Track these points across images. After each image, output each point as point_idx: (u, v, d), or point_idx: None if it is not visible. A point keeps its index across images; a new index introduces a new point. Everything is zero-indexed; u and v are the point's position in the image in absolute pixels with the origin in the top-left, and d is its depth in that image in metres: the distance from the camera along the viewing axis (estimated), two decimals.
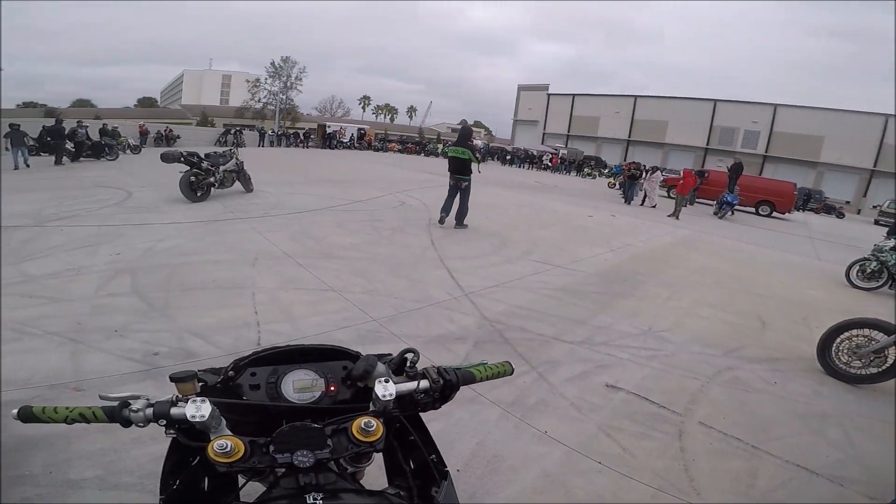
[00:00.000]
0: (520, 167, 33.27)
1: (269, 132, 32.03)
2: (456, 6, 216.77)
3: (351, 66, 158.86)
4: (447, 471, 0.89)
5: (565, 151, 36.30)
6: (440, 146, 38.07)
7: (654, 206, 15.12)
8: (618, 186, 21.12)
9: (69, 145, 14.37)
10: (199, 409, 0.73)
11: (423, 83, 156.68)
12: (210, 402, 0.75)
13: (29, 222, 5.93)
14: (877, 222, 24.50)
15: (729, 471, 2.48)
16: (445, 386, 0.90)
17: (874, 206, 28.52)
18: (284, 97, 39.26)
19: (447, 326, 3.89)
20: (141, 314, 3.56)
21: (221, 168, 8.68)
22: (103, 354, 2.96)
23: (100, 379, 2.68)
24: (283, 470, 0.77)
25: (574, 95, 51.19)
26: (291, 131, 34.99)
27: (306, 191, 10.33)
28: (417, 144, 38.39)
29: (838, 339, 3.77)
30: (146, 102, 75.63)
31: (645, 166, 17.31)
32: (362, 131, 37.63)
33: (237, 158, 9.22)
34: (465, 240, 6.99)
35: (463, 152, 7.56)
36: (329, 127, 35.82)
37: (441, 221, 7.62)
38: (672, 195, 16.04)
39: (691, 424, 2.86)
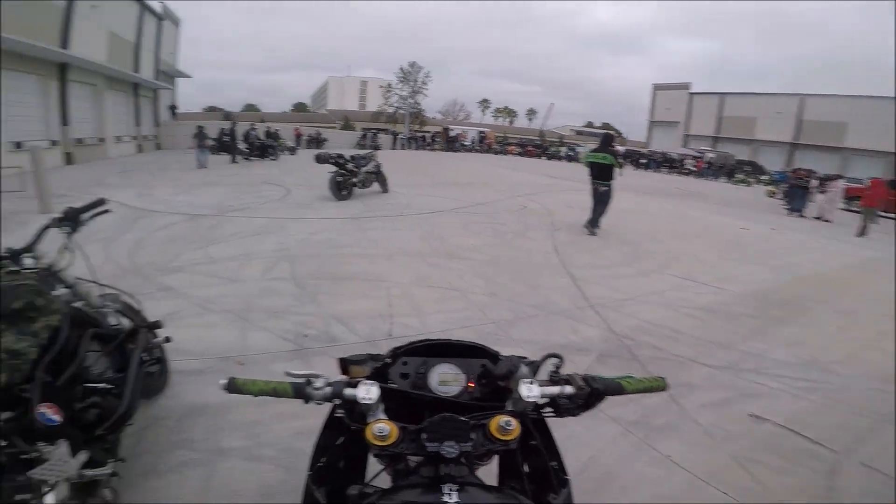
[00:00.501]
0: (656, 171, 30.71)
1: (400, 135, 34.16)
2: (577, 5, 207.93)
3: (469, 68, 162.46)
4: (568, 479, 0.88)
5: (713, 155, 32.44)
6: (562, 149, 36.90)
7: (828, 221, 12.77)
8: (780, 196, 18.32)
9: (242, 146, 16.91)
10: (368, 392, 0.80)
11: (542, 84, 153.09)
12: (379, 386, 0.81)
13: (214, 212, 7.15)
14: None
15: None
16: (591, 394, 0.88)
17: None
18: (412, 101, 41.37)
19: (568, 336, 3.76)
20: (296, 298, 4.06)
21: (363, 169, 9.55)
22: (264, 333, 3.38)
23: (259, 355, 3.05)
24: (420, 459, 0.80)
25: (723, 94, 45.60)
26: (419, 134, 36.84)
27: (433, 192, 10.83)
28: (538, 147, 37.70)
29: None
30: (299, 107, 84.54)
31: (817, 174, 14.65)
32: (483, 134, 38.28)
33: (376, 161, 10.05)
34: (592, 248, 6.69)
35: (605, 157, 7.54)
36: (452, 130, 37.04)
37: (590, 230, 7.57)
38: (857, 209, 13.34)
39: (850, 464, 2.44)
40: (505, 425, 0.77)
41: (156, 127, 21.81)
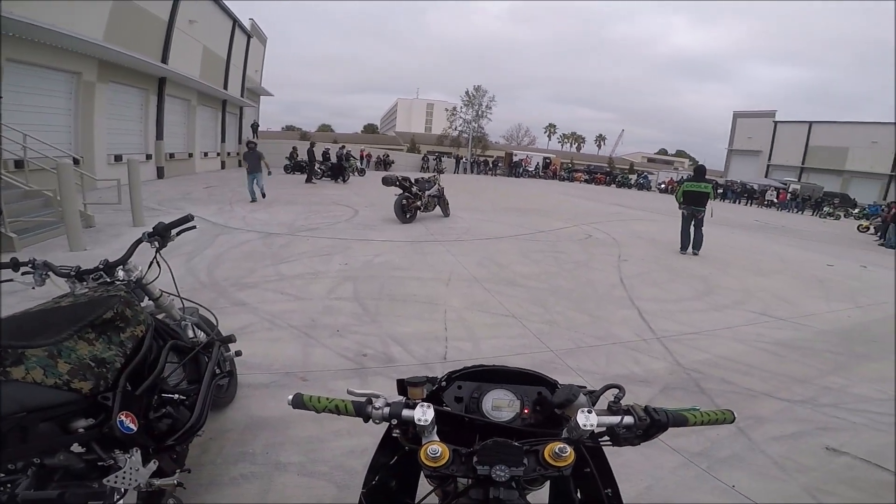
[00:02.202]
0: (735, 202, 28.90)
1: (463, 159, 34.68)
2: (655, 31, 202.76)
3: (540, 95, 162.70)
4: None
5: (797, 186, 30.03)
6: (632, 176, 35.66)
7: None
8: (873, 230, 16.57)
9: (321, 167, 17.71)
10: (424, 414, 0.83)
11: (615, 111, 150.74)
12: (434, 408, 0.84)
13: (287, 231, 7.64)
14: None
15: None
16: (652, 425, 0.87)
17: None
18: (476, 125, 41.71)
19: (630, 367, 3.63)
20: (357, 318, 4.20)
21: (426, 193, 9.81)
22: (326, 350, 3.51)
23: (320, 372, 3.15)
24: (470, 481, 0.82)
25: (811, 122, 42.28)
26: (482, 159, 37.16)
27: (494, 218, 10.87)
28: (607, 175, 36.73)
29: None
30: (369, 128, 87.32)
31: None
32: (548, 160, 37.80)
33: (439, 185, 10.30)
34: (661, 281, 6.38)
35: (705, 187, 8.59)
36: (515, 155, 37.03)
37: (683, 250, 8.53)
38: None
39: None
40: (559, 452, 0.78)
41: (239, 144, 22.32)
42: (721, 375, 3.57)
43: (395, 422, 0.87)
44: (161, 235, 1.99)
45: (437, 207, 10.27)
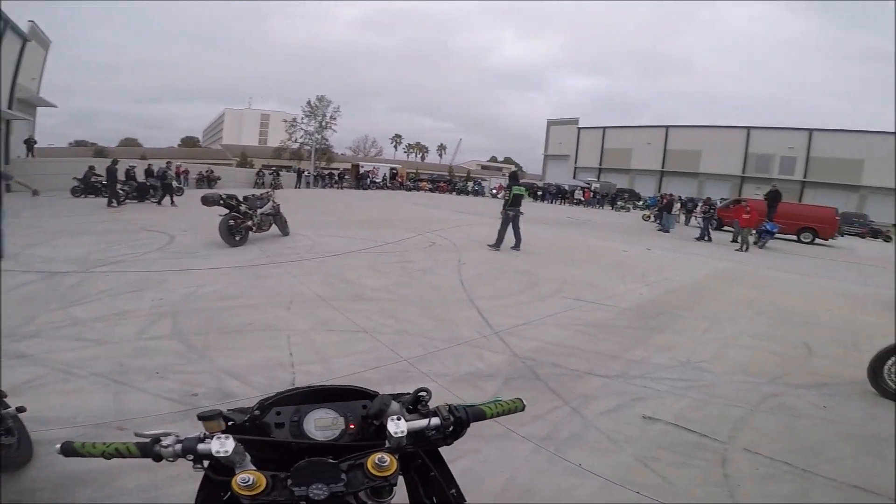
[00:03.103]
0: (551, 203, 33.23)
1: (306, 173, 33.16)
2: (490, 42, 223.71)
3: (384, 105, 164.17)
4: None
5: (597, 185, 36.06)
6: (469, 184, 38.54)
7: (709, 241, 14.75)
8: (653, 219, 20.75)
9: (123, 188, 14.92)
10: (223, 445, 0.78)
11: (453, 120, 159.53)
12: (234, 438, 0.80)
13: (77, 268, 6.28)
14: None
15: (778, 494, 2.42)
16: (456, 423, 0.93)
17: None
18: (320, 137, 40.31)
19: (476, 364, 3.89)
20: (181, 356, 3.69)
21: (259, 211, 8.95)
22: (145, 395, 3.07)
23: (141, 419, 2.78)
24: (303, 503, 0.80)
25: (605, 128, 51.37)
26: (326, 171, 36.10)
27: (339, 233, 10.60)
28: (448, 183, 39.02)
29: (890, 361, 3.68)
30: (189, 142, 77.64)
31: (678, 196, 16.99)
32: (394, 171, 38.46)
33: (274, 201, 9.53)
34: (494, 279, 6.99)
35: (523, 189, 10.06)
36: (362, 167, 36.85)
37: (498, 247, 9.46)
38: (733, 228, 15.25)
39: (735, 451, 2.78)
40: (380, 462, 0.79)
41: (6, 165, 18.27)
42: (551, 360, 4.03)
43: (190, 458, 0.81)
44: None
45: (274, 226, 9.54)
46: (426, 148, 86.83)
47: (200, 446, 0.81)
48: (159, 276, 6.06)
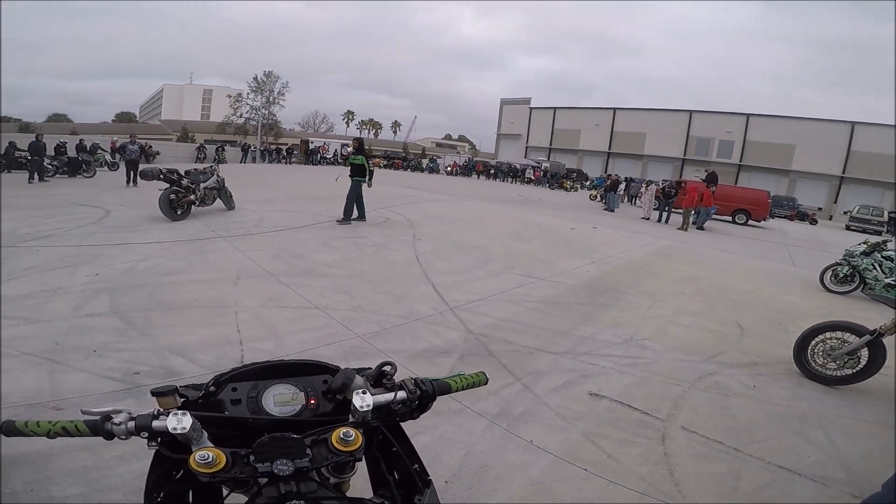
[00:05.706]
0: (504, 181, 33.58)
1: (252, 148, 31.75)
2: (448, 21, 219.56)
3: (337, 81, 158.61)
4: (430, 479, 0.92)
5: (547, 165, 36.74)
6: (424, 161, 38.28)
7: (648, 219, 15.69)
8: (599, 198, 21.52)
9: (49, 163, 13.88)
10: (180, 422, 0.76)
11: (409, 98, 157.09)
12: (191, 414, 0.77)
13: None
14: (848, 227, 25.36)
15: (713, 473, 2.53)
16: (422, 396, 0.93)
17: (845, 212, 29.47)
18: (267, 112, 39.02)
19: (432, 341, 3.91)
20: (121, 334, 3.51)
21: (202, 185, 8.59)
22: (82, 374, 2.92)
23: (80, 398, 2.65)
24: (266, 480, 0.78)
25: (555, 109, 52.11)
26: (274, 147, 34.75)
27: (289, 208, 10.27)
28: (402, 159, 38.56)
29: (813, 342, 3.87)
30: (124, 117, 73.90)
31: (625, 177, 17.74)
32: (346, 146, 37.55)
33: (218, 175, 9.14)
34: (450, 255, 7.03)
35: (359, 158, 9.20)
36: (312, 142, 35.75)
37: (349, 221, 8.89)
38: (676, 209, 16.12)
39: (674, 429, 2.92)
40: (345, 437, 0.78)
41: None
42: (503, 336, 4.11)
43: (145, 435, 0.78)
44: None
45: (219, 200, 9.13)
46: (380, 125, 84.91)
47: (156, 423, 0.78)
48: (95, 250, 5.67)
